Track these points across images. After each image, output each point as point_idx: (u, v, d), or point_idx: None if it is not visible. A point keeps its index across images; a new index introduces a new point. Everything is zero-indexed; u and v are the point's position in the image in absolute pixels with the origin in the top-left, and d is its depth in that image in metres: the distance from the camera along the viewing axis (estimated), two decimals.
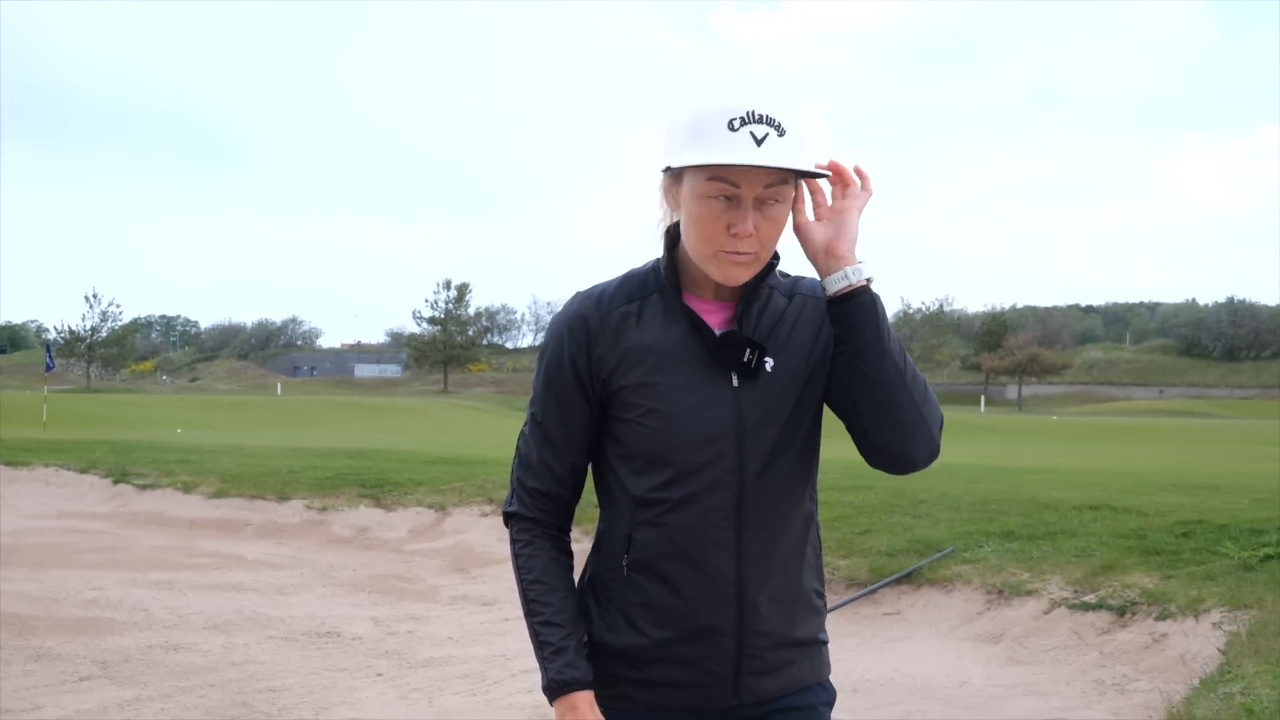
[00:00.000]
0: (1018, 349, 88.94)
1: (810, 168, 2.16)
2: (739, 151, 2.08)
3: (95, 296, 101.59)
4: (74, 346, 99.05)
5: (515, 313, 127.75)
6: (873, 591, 9.19)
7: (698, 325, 2.25)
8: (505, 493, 2.40)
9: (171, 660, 7.84)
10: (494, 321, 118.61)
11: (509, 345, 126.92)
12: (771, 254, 2.25)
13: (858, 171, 2.23)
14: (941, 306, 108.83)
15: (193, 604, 9.91)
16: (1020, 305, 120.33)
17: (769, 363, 2.25)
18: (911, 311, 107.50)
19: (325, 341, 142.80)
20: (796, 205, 2.21)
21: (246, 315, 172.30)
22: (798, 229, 2.23)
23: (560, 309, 2.37)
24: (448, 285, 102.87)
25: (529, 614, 2.31)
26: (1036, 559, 8.96)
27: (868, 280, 2.16)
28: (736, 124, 2.11)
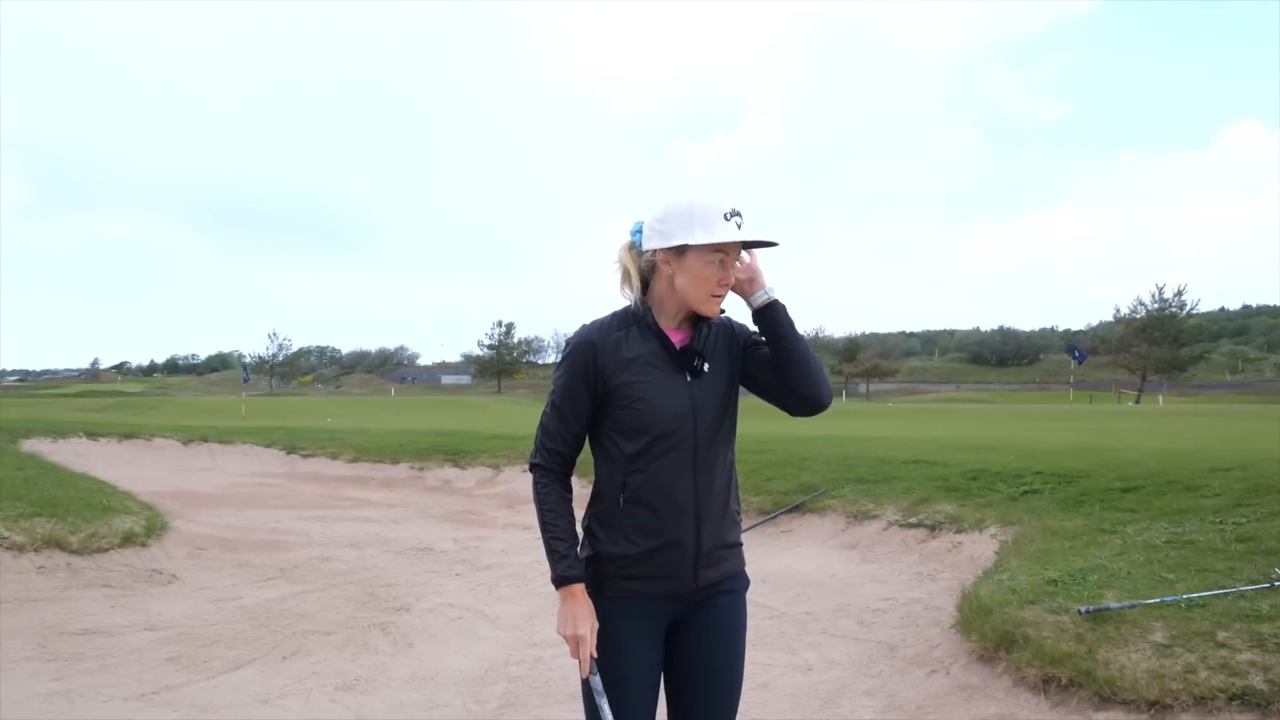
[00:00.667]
0: (865, 360, 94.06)
1: (764, 241, 2.47)
2: (733, 233, 2.39)
3: (274, 334, 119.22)
4: (261, 366, 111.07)
5: (544, 339, 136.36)
6: (773, 518, 9.74)
7: (665, 343, 2.47)
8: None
9: (324, 566, 8.40)
10: (530, 346, 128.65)
11: (540, 361, 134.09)
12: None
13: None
14: (817, 333, 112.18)
15: (337, 531, 10.40)
16: (867, 332, 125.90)
17: (707, 366, 2.49)
18: None
19: (422, 360, 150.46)
20: None
21: (371, 343, 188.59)
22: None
23: (575, 334, 2.54)
24: (500, 323, 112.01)
25: (544, 530, 2.48)
26: (878, 495, 9.46)
27: (775, 296, 2.49)
28: (728, 215, 2.41)
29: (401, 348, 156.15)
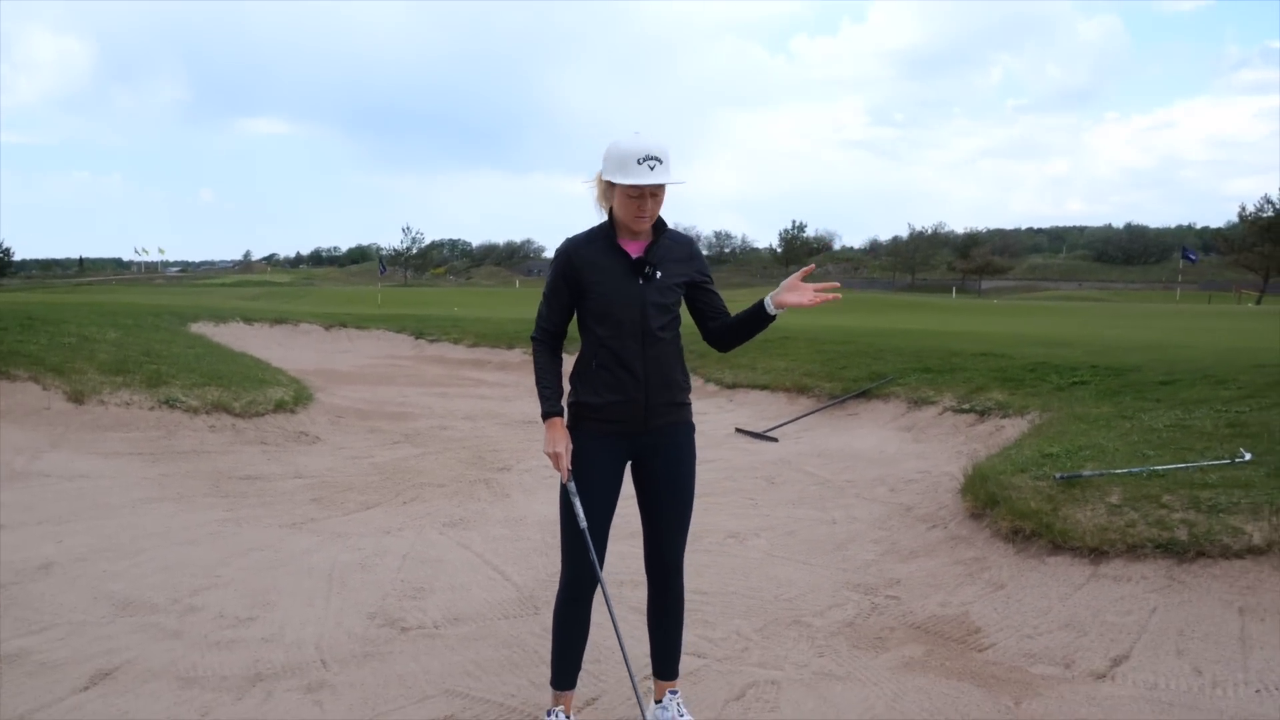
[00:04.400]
0: (978, 257, 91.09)
1: (678, 179, 2.98)
2: (640, 176, 2.92)
3: (408, 228, 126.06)
4: (396, 259, 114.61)
5: None
6: (842, 401, 10.43)
7: (623, 254, 3.07)
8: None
9: (442, 434, 9.47)
10: None
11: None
12: (656, 219, 3.08)
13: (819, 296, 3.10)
14: (936, 229, 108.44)
15: (456, 405, 11.52)
16: (991, 228, 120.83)
17: (659, 274, 3.07)
18: (915, 232, 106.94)
19: (547, 254, 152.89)
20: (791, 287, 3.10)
21: (500, 237, 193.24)
22: (781, 301, 3.09)
23: (561, 244, 3.15)
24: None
25: (537, 382, 3.15)
26: (940, 384, 9.95)
27: (776, 313, 3.10)
28: (641, 160, 2.92)
29: (528, 241, 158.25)
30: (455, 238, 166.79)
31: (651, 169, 2.92)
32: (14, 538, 5.58)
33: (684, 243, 3.20)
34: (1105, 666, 3.79)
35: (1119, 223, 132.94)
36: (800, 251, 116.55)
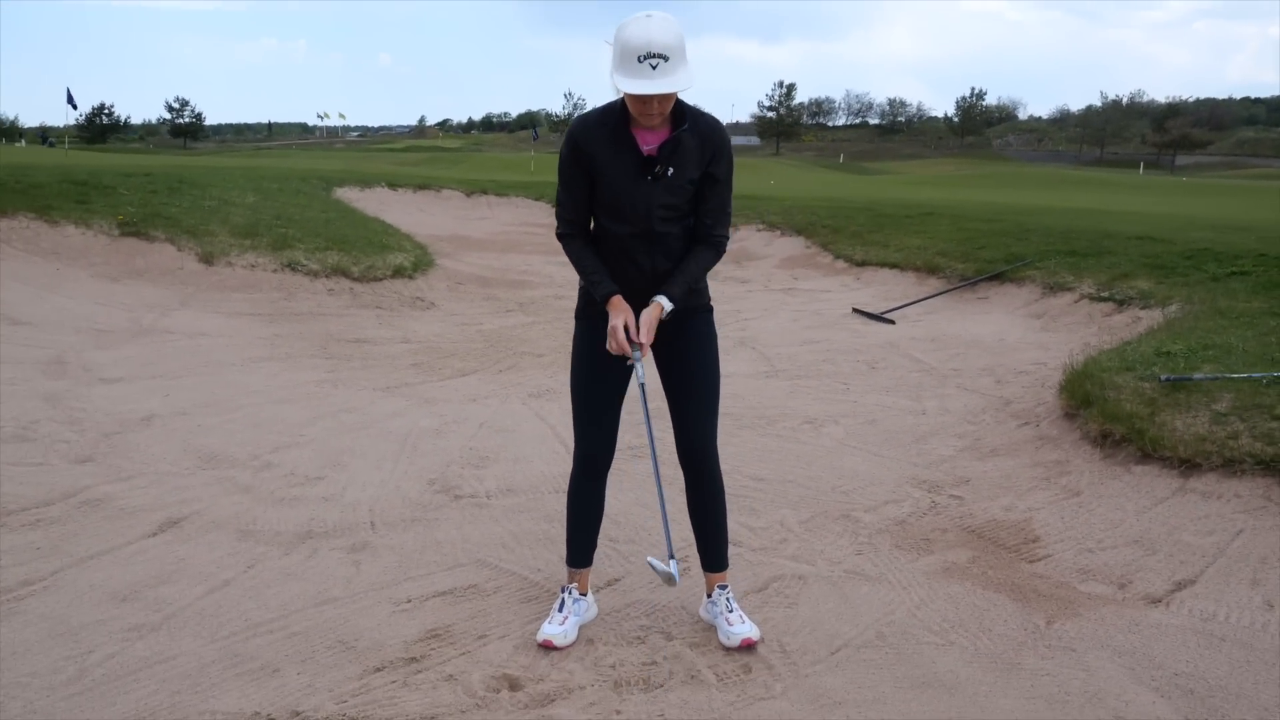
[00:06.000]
0: (1174, 129, 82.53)
1: (684, 86, 2.67)
2: (637, 86, 2.64)
3: (570, 94, 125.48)
4: (557, 125, 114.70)
5: (834, 100, 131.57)
6: (973, 283, 9.88)
7: (634, 148, 2.83)
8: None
9: (555, 304, 9.52)
10: (820, 108, 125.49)
11: (829, 124, 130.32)
12: (668, 114, 2.81)
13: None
14: (1133, 97, 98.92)
15: (577, 276, 11.24)
16: (1200, 97, 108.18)
17: (670, 171, 2.84)
18: (1107, 101, 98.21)
19: None
20: None
21: None
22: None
23: (570, 125, 2.92)
24: (780, 84, 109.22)
25: (583, 275, 3.00)
26: (1082, 269, 9.27)
27: (666, 305, 2.90)
28: (642, 58, 2.64)
29: (694, 107, 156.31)
30: None
31: (654, 68, 2.64)
32: (128, 390, 5.97)
33: (708, 134, 2.90)
34: (1165, 591, 3.46)
35: None
36: (978, 121, 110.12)
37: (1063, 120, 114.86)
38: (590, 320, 3.06)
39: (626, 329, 2.88)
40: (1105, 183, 38.04)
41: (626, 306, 2.91)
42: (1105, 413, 4.66)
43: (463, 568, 3.78)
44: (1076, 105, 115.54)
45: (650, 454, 3.11)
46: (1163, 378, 4.75)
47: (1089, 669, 2.95)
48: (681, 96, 2.81)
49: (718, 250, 3.02)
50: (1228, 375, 4.65)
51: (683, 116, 2.83)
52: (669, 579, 3.01)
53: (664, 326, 2.99)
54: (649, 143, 2.85)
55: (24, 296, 7.66)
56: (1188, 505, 3.99)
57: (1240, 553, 3.62)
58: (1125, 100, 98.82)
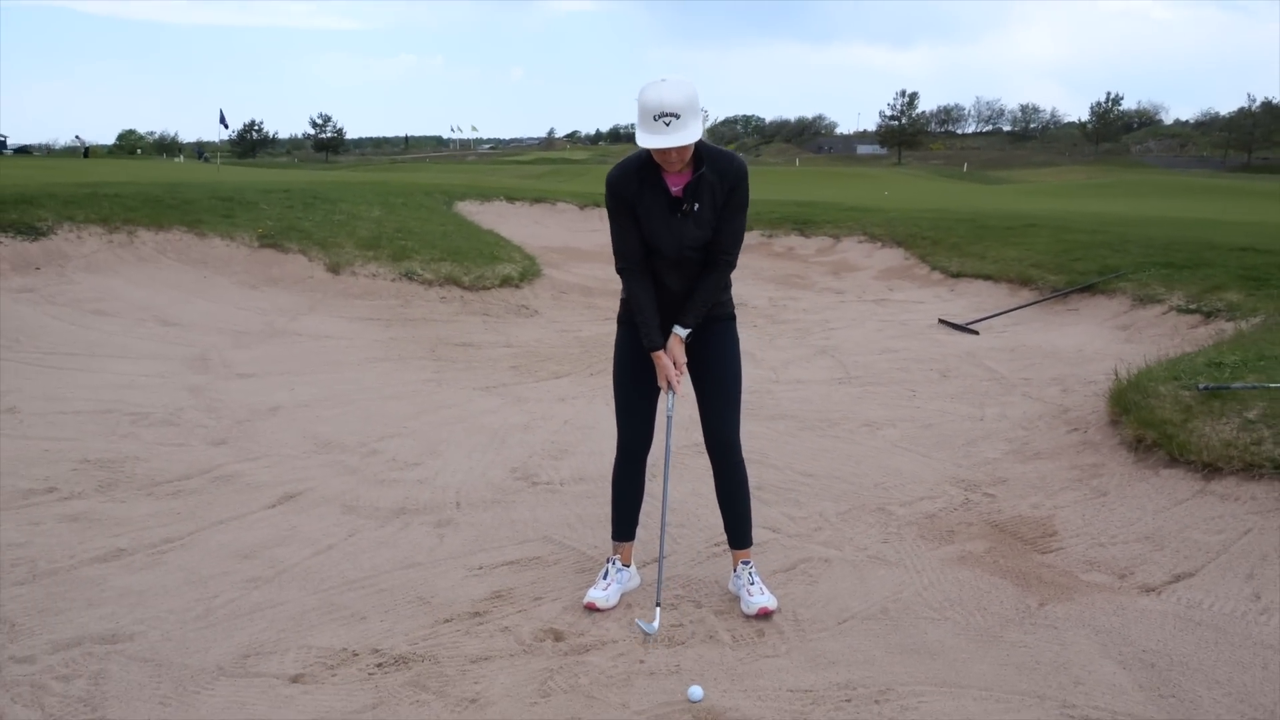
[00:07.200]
0: None
1: (690, 141, 3.02)
2: (651, 141, 3.03)
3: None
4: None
5: (964, 108, 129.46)
6: (1065, 295, 9.89)
7: (665, 190, 3.24)
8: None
9: None
10: (949, 115, 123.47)
11: (959, 131, 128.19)
12: (688, 161, 3.19)
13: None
14: None
15: None
16: None
17: (696, 207, 3.24)
18: (1256, 103, 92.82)
19: (840, 130, 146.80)
20: None
21: (793, 112, 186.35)
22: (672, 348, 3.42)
23: (610, 174, 3.28)
24: (902, 93, 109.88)
25: (637, 312, 3.39)
26: (1174, 281, 9.19)
27: (683, 333, 3.37)
28: (656, 117, 3.02)
29: (820, 116, 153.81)
30: (749, 113, 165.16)
31: (667, 125, 3.00)
32: (260, 384, 6.76)
33: (725, 170, 3.26)
34: (1162, 581, 3.71)
35: None
36: (1115, 127, 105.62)
37: (1208, 124, 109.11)
38: (630, 327, 3.52)
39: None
40: (1239, 190, 36.21)
41: (666, 361, 3.38)
42: (1140, 419, 4.86)
43: (530, 542, 4.29)
44: (1225, 108, 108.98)
45: (663, 492, 3.57)
46: (1200, 386, 4.92)
47: (1064, 643, 3.26)
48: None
49: (728, 269, 3.44)
50: (1266, 385, 4.79)
51: (702, 159, 3.23)
52: (646, 632, 3.38)
53: (690, 338, 3.46)
54: (676, 184, 3.25)
55: (175, 300, 8.64)
56: (1204, 506, 4.19)
57: (1243, 550, 3.83)
58: (1278, 102, 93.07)
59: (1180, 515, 4.19)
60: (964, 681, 3.05)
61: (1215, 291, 8.76)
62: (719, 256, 3.39)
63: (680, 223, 3.26)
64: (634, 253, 3.34)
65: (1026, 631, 3.36)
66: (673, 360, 3.41)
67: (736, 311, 3.63)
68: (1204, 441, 4.48)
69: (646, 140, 3.06)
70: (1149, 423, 4.79)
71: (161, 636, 3.32)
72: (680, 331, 3.41)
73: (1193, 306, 8.62)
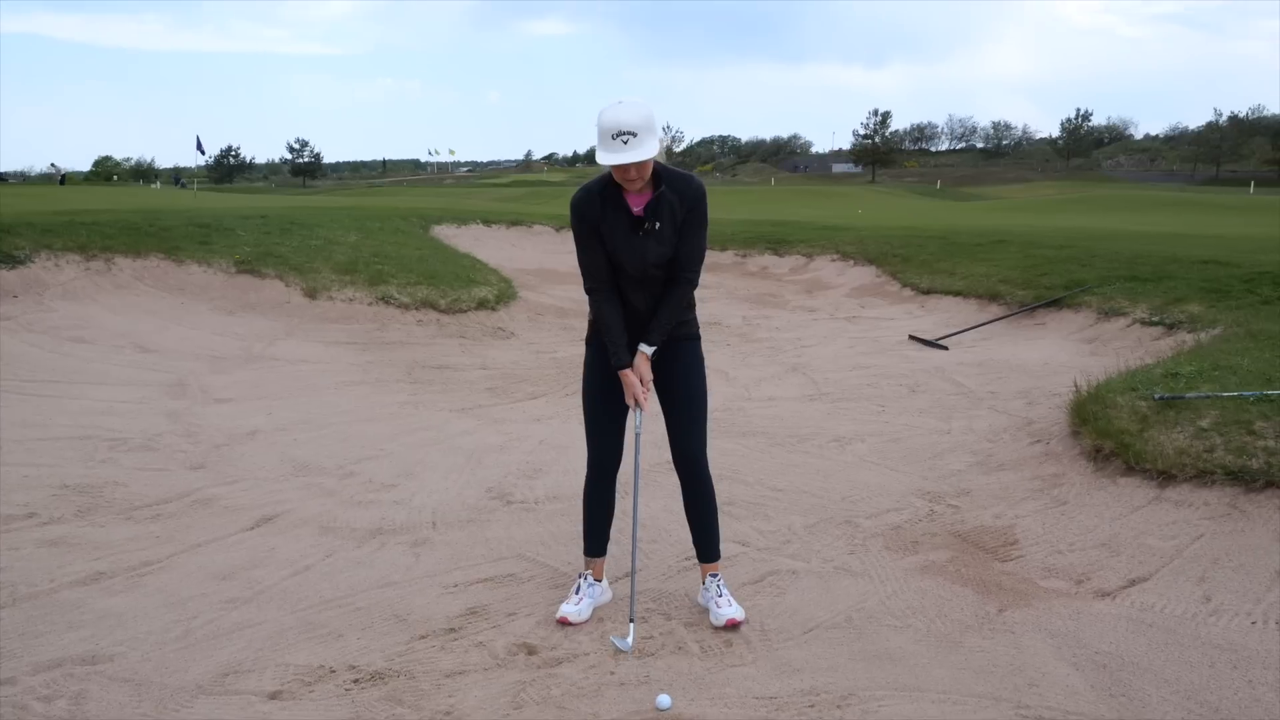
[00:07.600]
0: None
1: (647, 156, 3.13)
2: (609, 157, 3.15)
3: (668, 126, 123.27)
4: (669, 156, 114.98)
5: (936, 125, 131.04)
6: (1031, 309, 10.08)
7: (627, 209, 3.35)
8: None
9: None
10: (922, 133, 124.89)
11: (932, 149, 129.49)
12: (647, 180, 3.30)
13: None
14: (1252, 113, 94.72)
15: None
16: None
17: (657, 225, 3.35)
18: (1226, 117, 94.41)
19: (816, 149, 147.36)
20: None
21: (768, 132, 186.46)
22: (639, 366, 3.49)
23: (573, 197, 3.40)
24: (875, 112, 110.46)
25: (604, 333, 3.49)
26: (1139, 294, 9.37)
27: (649, 351, 3.46)
28: (614, 135, 3.14)
29: (795, 136, 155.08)
30: (725, 134, 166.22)
31: (625, 143, 3.12)
32: (237, 409, 6.81)
33: (684, 190, 3.38)
34: (1117, 586, 3.83)
35: None
36: (1085, 142, 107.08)
37: (1177, 139, 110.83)
38: (597, 347, 3.62)
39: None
40: (1206, 204, 36.83)
41: (633, 379, 3.46)
42: (1098, 429, 5.00)
43: (505, 560, 4.37)
44: (1194, 123, 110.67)
45: (633, 504, 3.65)
46: (1156, 396, 5.06)
47: (1020, 647, 3.37)
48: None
49: (690, 286, 3.54)
50: (1218, 394, 4.94)
51: (661, 180, 3.38)
52: (620, 648, 3.46)
53: (656, 356, 3.55)
54: (637, 204, 3.36)
55: (153, 327, 8.68)
56: (1159, 512, 4.33)
57: (1196, 554, 3.96)
58: (1246, 116, 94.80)
59: (1136, 522, 4.31)
60: (923, 686, 3.15)
61: (1178, 304, 8.97)
62: (680, 273, 3.49)
63: (642, 241, 3.36)
64: (601, 272, 3.43)
65: (985, 637, 3.47)
66: (639, 378, 3.50)
67: (709, 330, 3.76)
68: (1159, 450, 4.62)
69: (606, 158, 3.17)
70: (1107, 433, 4.93)
71: (141, 657, 3.37)
72: (646, 349, 3.50)
73: (1156, 319, 8.81)
